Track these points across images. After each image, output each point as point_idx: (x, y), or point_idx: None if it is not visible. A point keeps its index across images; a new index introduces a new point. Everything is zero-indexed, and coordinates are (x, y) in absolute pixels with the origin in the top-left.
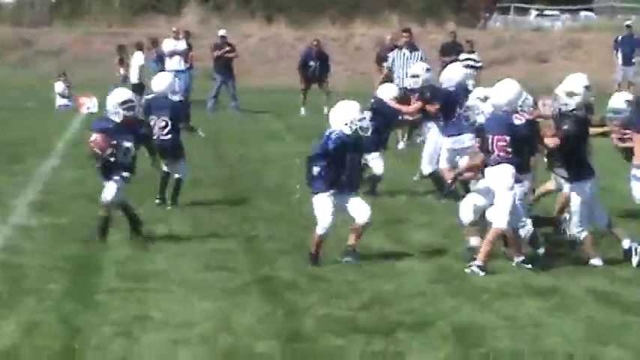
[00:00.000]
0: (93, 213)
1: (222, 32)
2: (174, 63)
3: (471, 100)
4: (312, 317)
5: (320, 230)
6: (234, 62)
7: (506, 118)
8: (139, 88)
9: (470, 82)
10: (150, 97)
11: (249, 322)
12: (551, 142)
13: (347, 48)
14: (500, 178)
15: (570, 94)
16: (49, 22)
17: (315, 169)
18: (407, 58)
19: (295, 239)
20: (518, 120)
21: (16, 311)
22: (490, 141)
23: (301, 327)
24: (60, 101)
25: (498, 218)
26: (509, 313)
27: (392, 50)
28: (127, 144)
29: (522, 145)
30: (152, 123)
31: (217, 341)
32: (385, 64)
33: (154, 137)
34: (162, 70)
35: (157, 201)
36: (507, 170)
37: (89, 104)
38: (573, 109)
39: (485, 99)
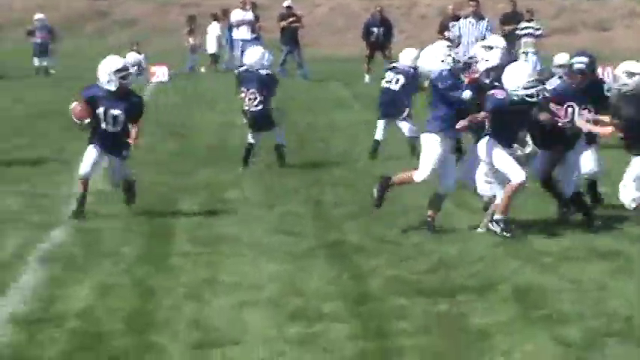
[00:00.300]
0: (164, 178)
1: (287, 3)
2: (242, 33)
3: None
4: (378, 279)
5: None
6: (301, 32)
7: None
8: (215, 58)
9: (530, 50)
10: (241, 69)
11: (316, 285)
12: (607, 129)
13: (411, 16)
14: None
15: (630, 74)
16: None
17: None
18: (473, 27)
19: (362, 204)
20: None
21: (91, 274)
22: None
23: (367, 289)
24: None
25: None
26: (572, 276)
27: (454, 19)
28: (116, 112)
29: None
30: (243, 95)
31: (286, 303)
32: (449, 33)
33: (245, 108)
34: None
35: (241, 169)
36: None
37: (159, 73)
38: (632, 90)
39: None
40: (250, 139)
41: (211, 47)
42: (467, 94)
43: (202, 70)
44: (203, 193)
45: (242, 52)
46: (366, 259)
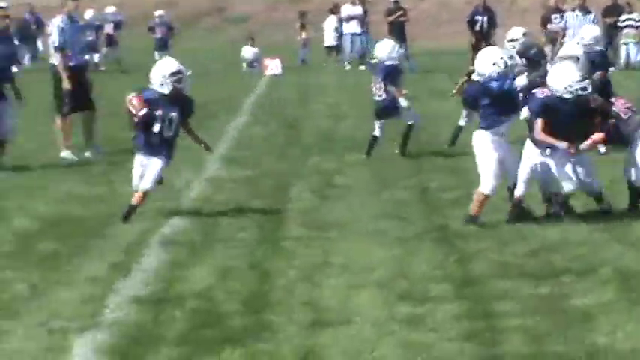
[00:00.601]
0: (279, 167)
1: None
2: (352, 27)
3: None
4: (482, 262)
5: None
6: (407, 25)
7: None
8: (335, 49)
9: (631, 41)
10: (372, 61)
11: (423, 268)
12: None
13: (512, 11)
14: None
15: None
16: None
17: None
18: (579, 20)
19: (467, 190)
20: None
21: (209, 257)
22: None
23: (472, 272)
24: (247, 64)
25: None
26: None
27: (557, 12)
28: (172, 114)
29: None
30: (372, 85)
31: (394, 285)
32: (551, 26)
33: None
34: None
35: (365, 156)
36: None
37: (273, 66)
38: None
39: None
40: (376, 130)
41: (329, 40)
42: (521, 80)
43: (324, 64)
44: (314, 179)
45: (351, 44)
46: (470, 244)
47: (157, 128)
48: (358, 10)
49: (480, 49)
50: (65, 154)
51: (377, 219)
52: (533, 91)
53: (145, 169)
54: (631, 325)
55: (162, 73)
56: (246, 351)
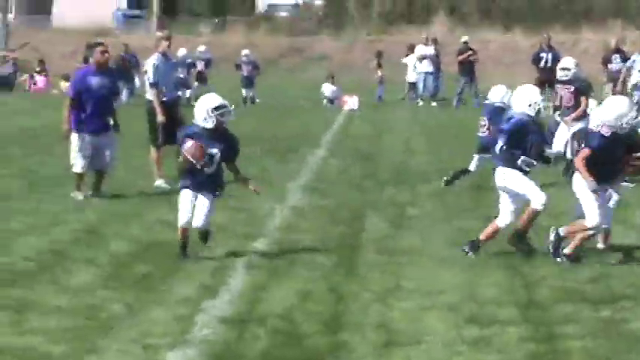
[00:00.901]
0: (355, 196)
1: (464, 38)
2: (424, 66)
3: None
4: (545, 288)
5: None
6: (476, 65)
7: None
8: (413, 85)
9: None
10: (485, 102)
11: (490, 292)
12: None
13: (574, 51)
14: None
15: None
16: (317, 32)
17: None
18: None
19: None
20: None
21: (290, 280)
22: None
23: (536, 296)
24: (327, 100)
25: None
26: None
27: (617, 53)
28: (213, 150)
29: None
30: (479, 121)
31: (462, 308)
32: (612, 66)
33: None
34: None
35: (443, 184)
36: None
37: (351, 103)
38: None
39: None
40: (472, 164)
41: (411, 76)
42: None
43: (402, 98)
44: (388, 209)
45: (424, 82)
46: (535, 270)
47: (199, 165)
48: (430, 50)
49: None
50: (159, 182)
51: (447, 246)
52: (590, 127)
53: (193, 205)
54: None
55: (205, 108)
56: None
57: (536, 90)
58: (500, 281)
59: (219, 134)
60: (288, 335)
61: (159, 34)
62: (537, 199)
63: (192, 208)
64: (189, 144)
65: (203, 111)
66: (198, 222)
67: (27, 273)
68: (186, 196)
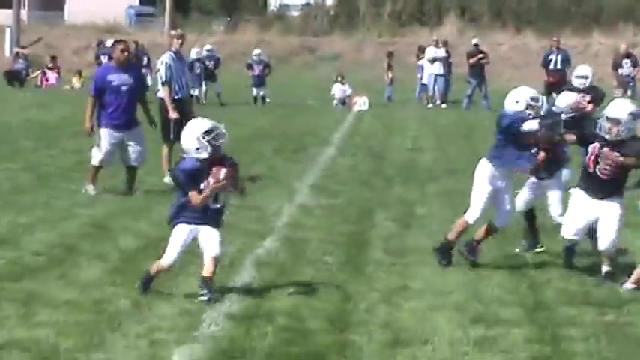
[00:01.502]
0: (364, 195)
1: (475, 41)
2: (435, 68)
3: None
4: (550, 290)
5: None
6: (486, 67)
7: None
8: (425, 88)
9: None
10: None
11: (496, 293)
12: None
13: (585, 55)
14: None
15: None
16: (329, 32)
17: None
18: None
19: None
20: None
21: (297, 278)
22: None
23: (542, 298)
24: (337, 100)
25: None
26: None
27: (627, 58)
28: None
29: None
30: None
31: (468, 308)
32: (622, 70)
33: None
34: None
35: None
36: None
37: (361, 102)
38: None
39: None
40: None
41: (426, 78)
42: (529, 124)
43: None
44: (396, 208)
45: (434, 84)
46: (541, 272)
47: (230, 188)
48: (441, 52)
49: (554, 89)
50: (168, 179)
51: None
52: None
53: (186, 245)
54: None
55: (195, 136)
56: None
57: (525, 89)
58: (505, 282)
59: (219, 162)
60: (295, 332)
61: (172, 32)
62: (472, 214)
63: (185, 247)
64: (223, 171)
65: (193, 140)
66: (214, 250)
67: (36, 267)
68: (181, 232)
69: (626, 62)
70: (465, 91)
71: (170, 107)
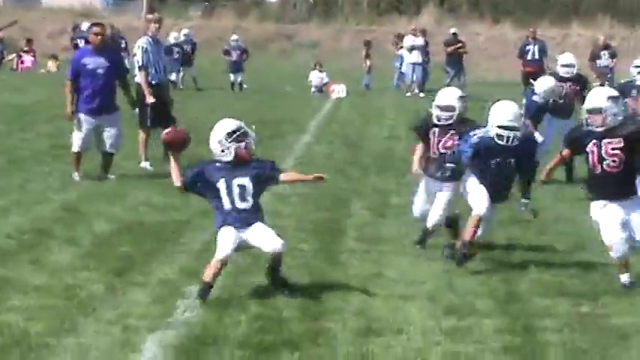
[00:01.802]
0: (340, 183)
1: (453, 30)
2: (414, 56)
3: None
4: (524, 281)
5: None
6: (464, 57)
7: None
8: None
9: None
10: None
11: (470, 284)
12: None
13: (564, 46)
14: None
15: None
16: (307, 19)
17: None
18: None
19: (512, 214)
20: None
21: None
22: None
23: (515, 289)
24: (314, 87)
25: None
26: None
27: (605, 49)
28: (242, 181)
29: None
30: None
31: (441, 298)
32: (600, 61)
33: None
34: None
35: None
36: None
37: (338, 90)
38: None
39: None
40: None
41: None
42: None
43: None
44: (371, 197)
45: (412, 72)
46: (515, 263)
47: (227, 203)
48: (420, 40)
49: (531, 78)
50: (145, 164)
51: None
52: None
53: (238, 240)
54: None
55: (218, 139)
56: (304, 355)
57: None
58: (479, 273)
59: (245, 162)
60: (269, 320)
61: (149, 16)
62: (478, 206)
63: (235, 245)
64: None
65: (217, 143)
66: (273, 245)
67: (7, 251)
68: (226, 231)
69: (604, 53)
70: (443, 80)
71: (147, 92)
